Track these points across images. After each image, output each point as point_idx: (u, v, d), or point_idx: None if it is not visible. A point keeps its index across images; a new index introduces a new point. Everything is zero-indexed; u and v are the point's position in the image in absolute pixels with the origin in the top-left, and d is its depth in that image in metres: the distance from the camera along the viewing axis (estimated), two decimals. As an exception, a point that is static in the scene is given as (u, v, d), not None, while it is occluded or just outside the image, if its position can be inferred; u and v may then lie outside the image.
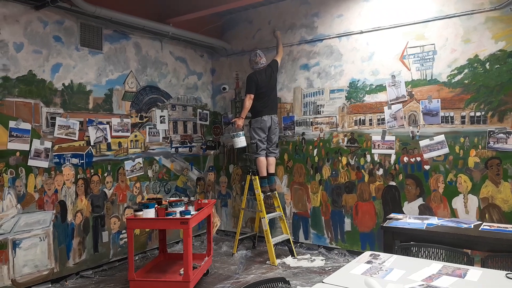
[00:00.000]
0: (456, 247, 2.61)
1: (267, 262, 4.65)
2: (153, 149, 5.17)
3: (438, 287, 2.04)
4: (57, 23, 4.18)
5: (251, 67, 5.02)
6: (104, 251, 4.58)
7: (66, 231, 4.21)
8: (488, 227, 2.97)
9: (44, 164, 4.02)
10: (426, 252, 2.66)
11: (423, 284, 2.08)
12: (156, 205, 3.80)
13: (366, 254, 2.64)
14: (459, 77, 4.15)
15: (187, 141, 5.67)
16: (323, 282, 2.19)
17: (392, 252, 2.74)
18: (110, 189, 4.64)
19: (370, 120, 4.72)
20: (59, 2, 3.89)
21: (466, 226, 3.05)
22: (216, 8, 4.90)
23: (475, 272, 2.23)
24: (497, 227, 2.99)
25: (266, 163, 4.93)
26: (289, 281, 2.19)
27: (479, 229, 2.94)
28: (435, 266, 2.34)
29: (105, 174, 4.59)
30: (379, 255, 2.59)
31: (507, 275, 2.17)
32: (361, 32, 4.74)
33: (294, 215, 5.27)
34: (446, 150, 4.21)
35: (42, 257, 3.99)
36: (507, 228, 2.95)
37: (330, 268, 4.43)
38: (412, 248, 2.74)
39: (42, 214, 4.00)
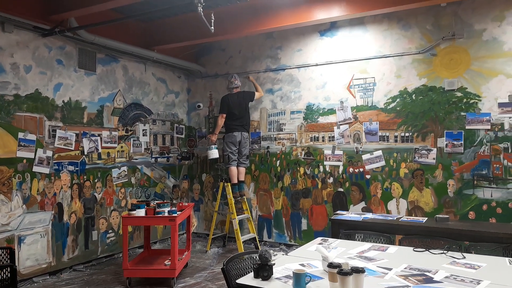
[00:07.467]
0: (383, 233, 3.56)
1: (237, 256, 5.44)
2: (136, 159, 5.86)
3: (367, 256, 2.95)
4: (60, 48, 4.83)
5: (227, 87, 5.89)
6: (93, 248, 5.19)
7: (62, 230, 4.80)
8: (406, 219, 3.98)
9: (46, 170, 4.63)
10: (362, 236, 3.59)
11: (357, 255, 2.98)
12: (146, 206, 4.52)
13: (318, 239, 3.53)
14: (392, 104, 5.21)
15: (165, 152, 6.40)
16: (287, 255, 3.04)
17: (337, 238, 3.65)
18: (99, 194, 5.27)
19: (323, 137, 5.69)
20: (66, 32, 4.57)
21: (391, 218, 4.04)
22: (196, 41, 5.73)
23: (393, 248, 3.17)
24: (412, 218, 4.00)
25: (237, 172, 5.76)
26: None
27: (399, 220, 3.94)
28: (366, 245, 3.26)
29: (96, 180, 5.23)
30: (327, 239, 3.49)
31: (414, 249, 3.12)
32: (316, 65, 5.74)
33: (259, 217, 6.12)
34: (383, 163, 5.24)
35: (42, 252, 4.56)
36: (418, 219, 3.97)
37: (289, 260, 5.28)
38: (350, 234, 3.66)
39: (43, 214, 4.59)
